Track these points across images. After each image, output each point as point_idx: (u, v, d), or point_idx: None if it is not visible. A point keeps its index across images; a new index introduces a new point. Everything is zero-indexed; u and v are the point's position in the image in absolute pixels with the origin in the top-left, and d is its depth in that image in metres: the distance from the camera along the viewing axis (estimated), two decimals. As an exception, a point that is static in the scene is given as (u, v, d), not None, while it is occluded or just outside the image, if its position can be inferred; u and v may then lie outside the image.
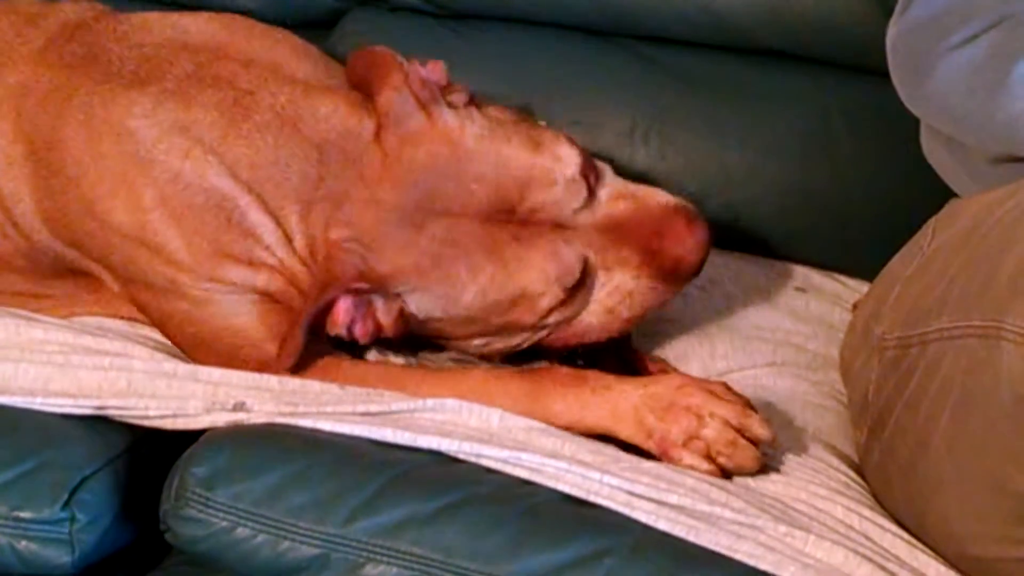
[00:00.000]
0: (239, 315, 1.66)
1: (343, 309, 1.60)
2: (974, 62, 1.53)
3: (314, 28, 2.14)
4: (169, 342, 1.70)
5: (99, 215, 1.64)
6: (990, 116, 1.52)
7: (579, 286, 1.61)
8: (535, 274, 1.59)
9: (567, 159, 1.61)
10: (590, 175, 1.62)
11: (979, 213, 1.51)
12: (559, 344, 1.68)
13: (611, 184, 1.64)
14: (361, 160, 1.61)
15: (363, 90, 1.67)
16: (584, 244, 1.61)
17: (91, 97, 1.66)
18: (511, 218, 1.59)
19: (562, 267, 1.59)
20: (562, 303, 1.61)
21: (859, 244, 1.99)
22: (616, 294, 1.64)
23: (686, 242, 1.62)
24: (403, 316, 1.62)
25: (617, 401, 1.55)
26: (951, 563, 1.45)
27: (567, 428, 1.55)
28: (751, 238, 2.01)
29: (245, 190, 1.62)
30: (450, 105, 1.63)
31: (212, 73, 1.67)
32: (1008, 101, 1.49)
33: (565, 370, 1.61)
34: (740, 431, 1.51)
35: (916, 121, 1.69)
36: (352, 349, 1.67)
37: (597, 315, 1.65)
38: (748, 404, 1.53)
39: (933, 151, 1.71)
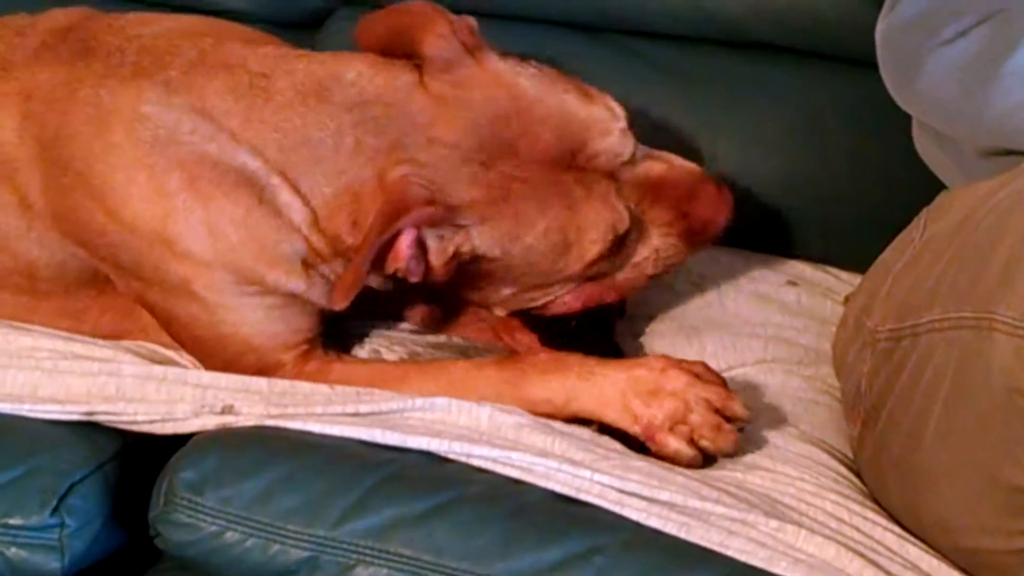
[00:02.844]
0: (248, 323, 1.64)
1: (406, 243, 1.55)
2: (964, 57, 1.53)
3: (301, 28, 2.15)
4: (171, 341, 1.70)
5: (111, 208, 1.61)
6: (980, 112, 1.52)
7: (624, 238, 1.62)
8: (594, 218, 1.60)
9: (618, 111, 1.64)
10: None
11: (970, 204, 1.51)
12: (578, 305, 1.68)
13: (641, 146, 1.67)
14: (409, 109, 1.58)
15: (391, 48, 1.64)
16: (628, 197, 1.63)
17: (97, 89, 1.63)
18: (572, 163, 1.60)
19: (616, 215, 1.61)
20: (608, 253, 1.62)
21: (851, 237, 1.99)
22: (645, 250, 1.67)
23: (715, 205, 1.68)
24: (456, 256, 1.58)
25: (603, 386, 1.56)
26: (945, 555, 1.45)
27: (551, 415, 1.56)
28: (742, 232, 1.98)
29: (275, 172, 1.59)
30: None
31: (219, 59, 1.64)
32: (998, 96, 1.49)
33: (546, 356, 1.62)
34: (721, 412, 1.53)
35: (906, 113, 1.69)
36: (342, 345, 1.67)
37: (625, 270, 1.67)
38: (724, 382, 1.56)
39: (924, 145, 1.71)
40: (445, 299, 1.74)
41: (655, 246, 1.67)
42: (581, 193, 1.60)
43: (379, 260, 1.56)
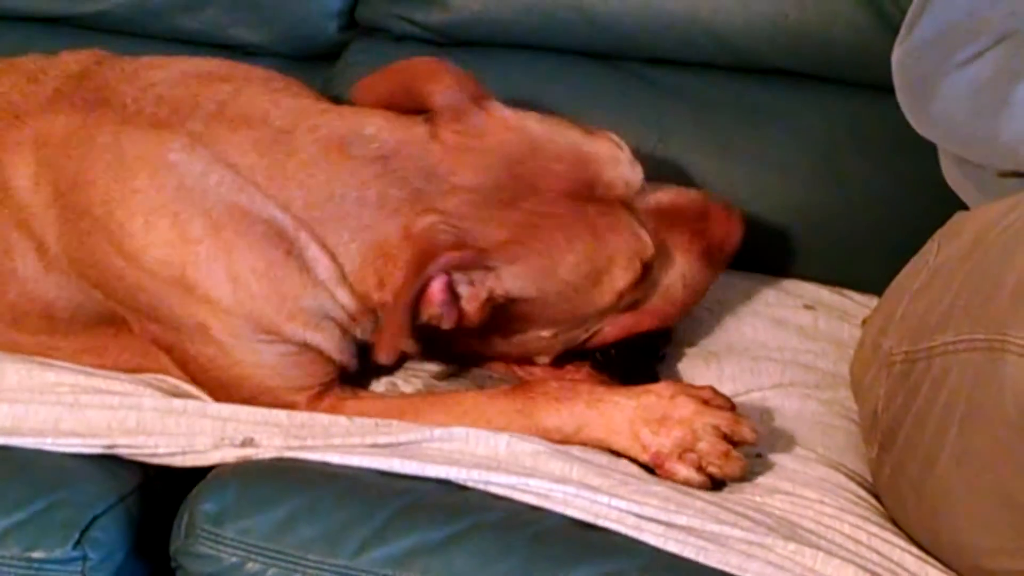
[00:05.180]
0: (263, 366, 1.65)
1: (438, 288, 1.56)
2: (978, 81, 1.53)
3: (316, 61, 2.15)
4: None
5: (130, 253, 1.62)
6: (994, 136, 1.52)
7: (651, 264, 1.65)
8: (622, 246, 1.62)
9: (620, 143, 1.67)
10: None
11: (982, 226, 1.51)
12: (616, 335, 1.69)
13: (646, 182, 1.70)
14: (427, 160, 1.61)
15: (396, 105, 1.67)
16: (646, 224, 1.65)
17: (117, 137, 1.64)
18: (591, 195, 1.62)
19: (641, 242, 1.63)
20: (638, 280, 1.64)
21: (867, 259, 1.98)
22: (672, 274, 1.69)
23: (728, 222, 1.73)
24: (490, 300, 1.59)
25: (612, 414, 1.57)
26: (964, 577, 1.45)
27: (562, 442, 1.56)
28: (759, 257, 2.00)
29: (303, 227, 1.61)
30: None
31: (240, 111, 1.66)
32: (1011, 121, 1.50)
33: (556, 384, 1.63)
34: (729, 437, 1.53)
35: (923, 138, 1.68)
36: (359, 378, 1.68)
37: (655, 297, 1.69)
38: (733, 406, 1.57)
39: (947, 167, 1.71)
40: (483, 360, 1.75)
41: (681, 271, 1.69)
42: (604, 223, 1.62)
43: (413, 310, 1.56)
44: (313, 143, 1.63)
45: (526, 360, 1.73)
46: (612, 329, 1.69)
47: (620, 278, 1.63)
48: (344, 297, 1.62)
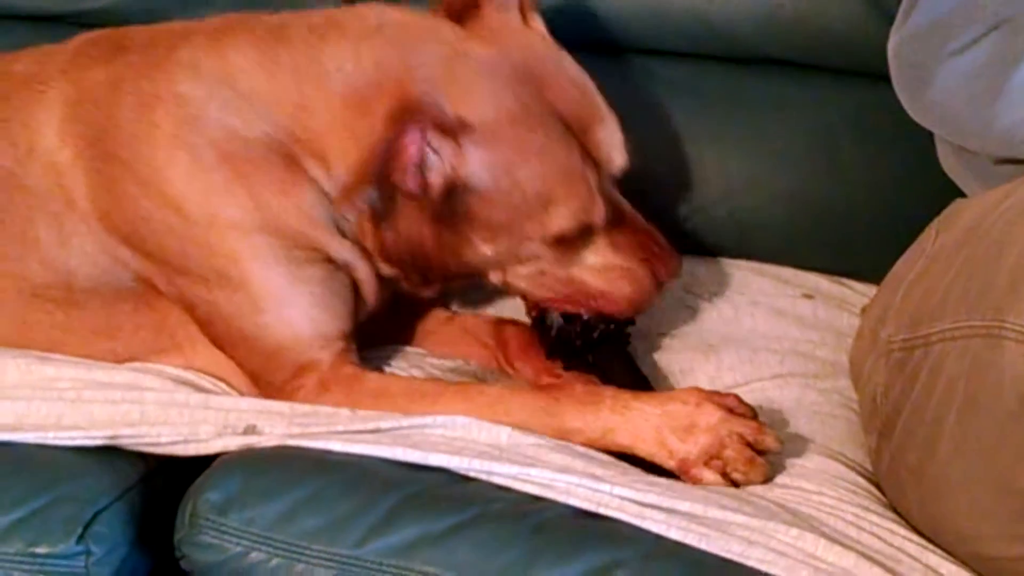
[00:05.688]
0: (289, 304, 1.66)
1: (412, 141, 1.55)
2: (973, 68, 1.54)
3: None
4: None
5: (157, 189, 1.64)
6: (989, 123, 1.53)
7: (588, 233, 1.65)
8: (581, 192, 1.63)
9: (620, 131, 1.69)
10: None
11: (978, 214, 1.52)
12: (548, 295, 1.70)
13: None
14: (438, 32, 1.63)
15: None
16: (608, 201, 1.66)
17: (138, 80, 1.67)
18: (582, 138, 1.64)
19: (595, 203, 1.64)
20: (575, 233, 1.64)
21: (865, 248, 1.99)
22: (609, 262, 1.68)
23: (672, 256, 1.71)
24: (451, 182, 1.59)
25: (637, 421, 1.56)
26: (964, 563, 1.45)
27: (585, 445, 1.56)
28: (756, 246, 2.01)
29: (296, 137, 1.63)
30: None
31: (238, 22, 1.70)
32: (1006, 109, 1.50)
33: (581, 387, 1.63)
34: (753, 445, 1.53)
35: (919, 126, 1.69)
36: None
37: (586, 271, 1.68)
38: (756, 415, 1.56)
39: (944, 155, 1.71)
40: (432, 275, 1.73)
41: (619, 265, 1.68)
42: (578, 166, 1.62)
43: (384, 160, 1.56)
44: (306, 27, 1.66)
45: (465, 274, 1.71)
46: (550, 285, 1.69)
47: (564, 218, 1.63)
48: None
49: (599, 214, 1.64)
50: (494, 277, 1.70)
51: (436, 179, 1.58)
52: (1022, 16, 1.53)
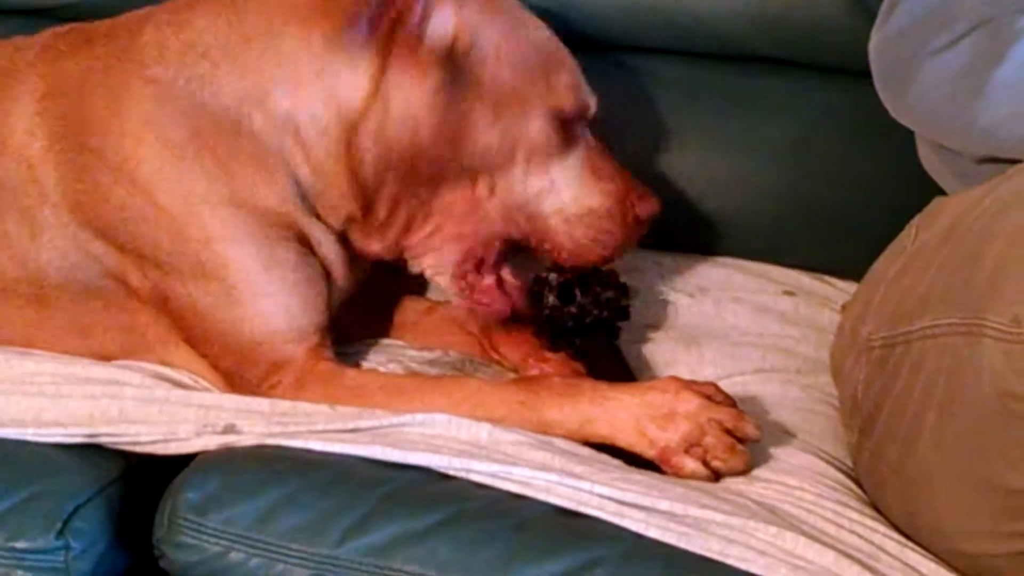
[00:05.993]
0: (264, 295, 1.65)
1: None
2: (954, 68, 1.54)
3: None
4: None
5: (127, 175, 1.64)
6: (970, 123, 1.53)
7: (578, 120, 1.69)
8: (575, 69, 1.70)
9: None
10: None
11: (959, 211, 1.52)
12: (529, 237, 1.71)
13: None
14: None
15: None
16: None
17: (106, 73, 1.68)
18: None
19: (585, 89, 1.70)
20: (570, 116, 1.68)
21: (848, 246, 1.98)
22: (583, 206, 1.70)
23: (648, 196, 1.73)
24: (452, 44, 1.61)
25: (616, 411, 1.56)
26: (944, 560, 1.45)
27: (566, 437, 1.56)
28: (740, 243, 2.02)
29: (256, 104, 1.64)
30: None
31: None
32: (987, 108, 1.50)
33: (559, 380, 1.62)
34: (732, 432, 1.53)
35: (901, 124, 1.69)
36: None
37: (560, 216, 1.69)
38: (735, 403, 1.56)
39: (924, 154, 1.71)
40: (410, 188, 1.70)
41: (590, 205, 1.70)
42: (567, 54, 1.70)
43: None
44: None
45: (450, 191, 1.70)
46: (526, 226, 1.70)
47: (567, 87, 1.67)
48: (306, 174, 1.65)
49: (592, 102, 1.69)
50: (483, 188, 1.68)
51: (437, 34, 1.61)
52: (1003, 16, 1.53)
